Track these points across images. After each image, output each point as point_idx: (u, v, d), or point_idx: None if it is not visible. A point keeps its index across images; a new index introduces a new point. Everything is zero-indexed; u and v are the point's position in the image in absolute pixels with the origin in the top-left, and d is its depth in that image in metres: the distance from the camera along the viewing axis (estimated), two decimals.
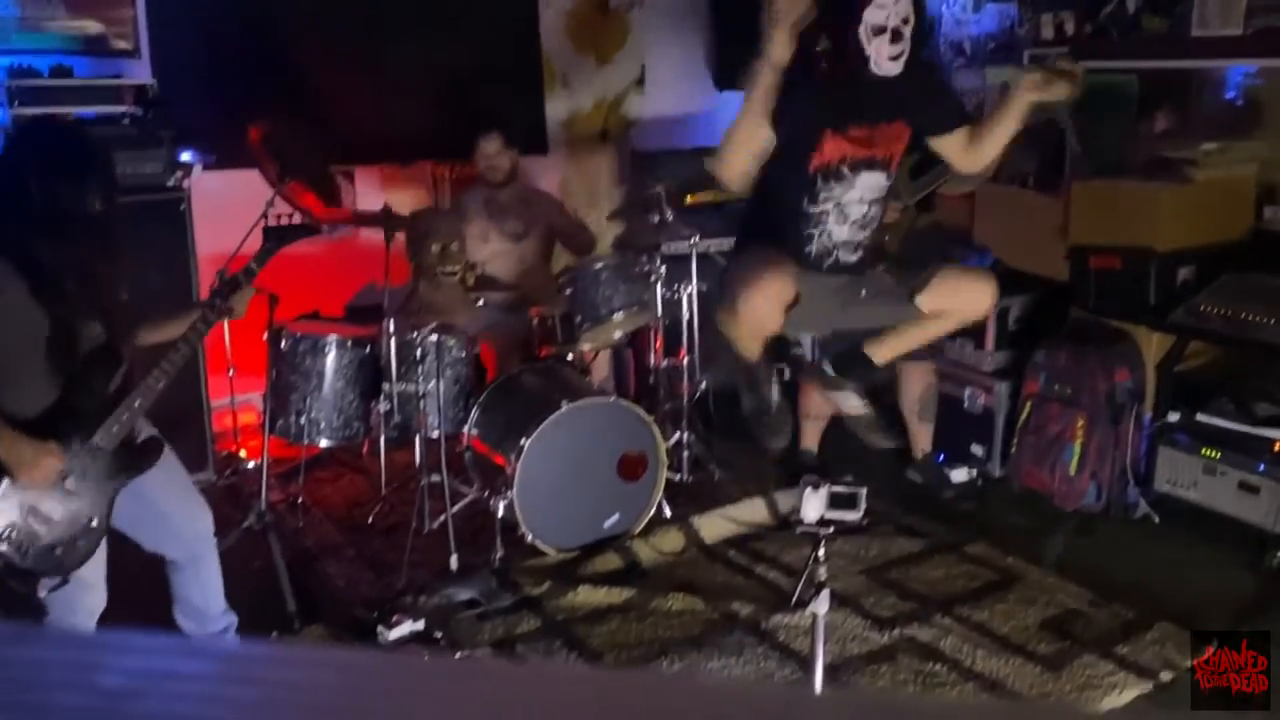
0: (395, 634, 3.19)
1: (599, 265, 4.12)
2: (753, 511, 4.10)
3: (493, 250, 4.61)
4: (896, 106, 2.92)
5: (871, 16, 2.75)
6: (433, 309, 4.05)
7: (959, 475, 4.36)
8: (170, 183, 4.15)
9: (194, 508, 2.83)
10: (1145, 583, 3.54)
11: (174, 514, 2.75)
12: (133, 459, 2.60)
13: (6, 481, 2.42)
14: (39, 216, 2.44)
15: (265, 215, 4.05)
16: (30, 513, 2.45)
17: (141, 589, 2.84)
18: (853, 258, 3.05)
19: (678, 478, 4.31)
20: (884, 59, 2.77)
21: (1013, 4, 5.05)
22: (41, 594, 2.49)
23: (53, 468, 2.44)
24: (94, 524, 2.54)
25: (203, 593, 2.86)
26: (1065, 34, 4.81)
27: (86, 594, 2.60)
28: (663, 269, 4.24)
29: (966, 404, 4.43)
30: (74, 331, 2.50)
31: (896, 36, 2.76)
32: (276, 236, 2.88)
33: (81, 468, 2.50)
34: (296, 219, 2.96)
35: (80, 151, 2.55)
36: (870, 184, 2.99)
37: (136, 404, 2.55)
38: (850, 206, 2.97)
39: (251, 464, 4.41)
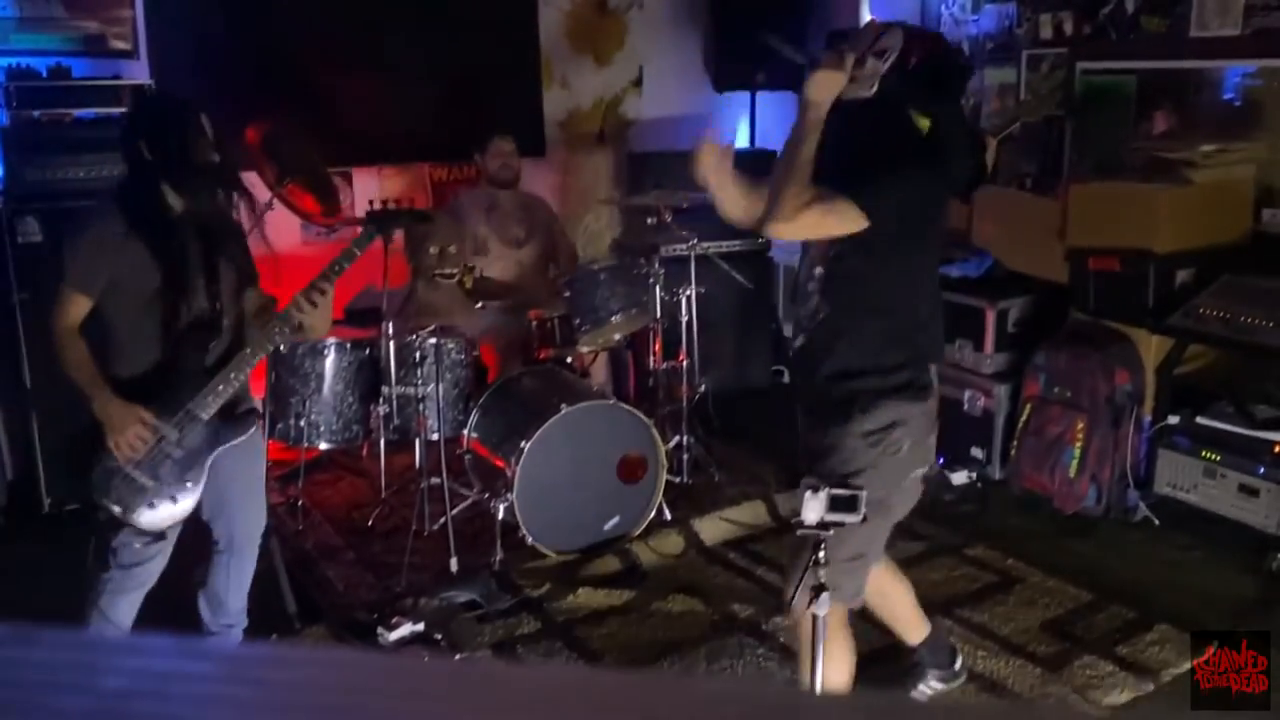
0: (395, 635, 3.19)
1: (598, 268, 4.12)
2: (753, 514, 4.10)
3: (493, 255, 4.61)
4: None
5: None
6: (431, 311, 4.05)
7: (959, 478, 4.36)
8: None
9: (253, 505, 2.90)
10: (1145, 584, 3.54)
11: (233, 502, 2.82)
12: (228, 429, 2.70)
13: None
14: (155, 180, 2.60)
15: (260, 217, 4.07)
16: (134, 471, 2.57)
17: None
18: None
19: (678, 480, 4.31)
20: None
21: (1011, 4, 5.05)
22: (137, 545, 2.62)
23: (140, 431, 2.54)
24: (189, 484, 2.64)
25: (228, 586, 2.89)
26: (1064, 34, 4.81)
27: (158, 556, 2.69)
28: (661, 271, 4.24)
29: (966, 406, 4.43)
30: (183, 296, 2.60)
31: None
32: (381, 222, 2.93)
33: (179, 432, 2.59)
34: (404, 205, 2.98)
35: (192, 120, 2.66)
36: None
37: (232, 375, 2.64)
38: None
39: None
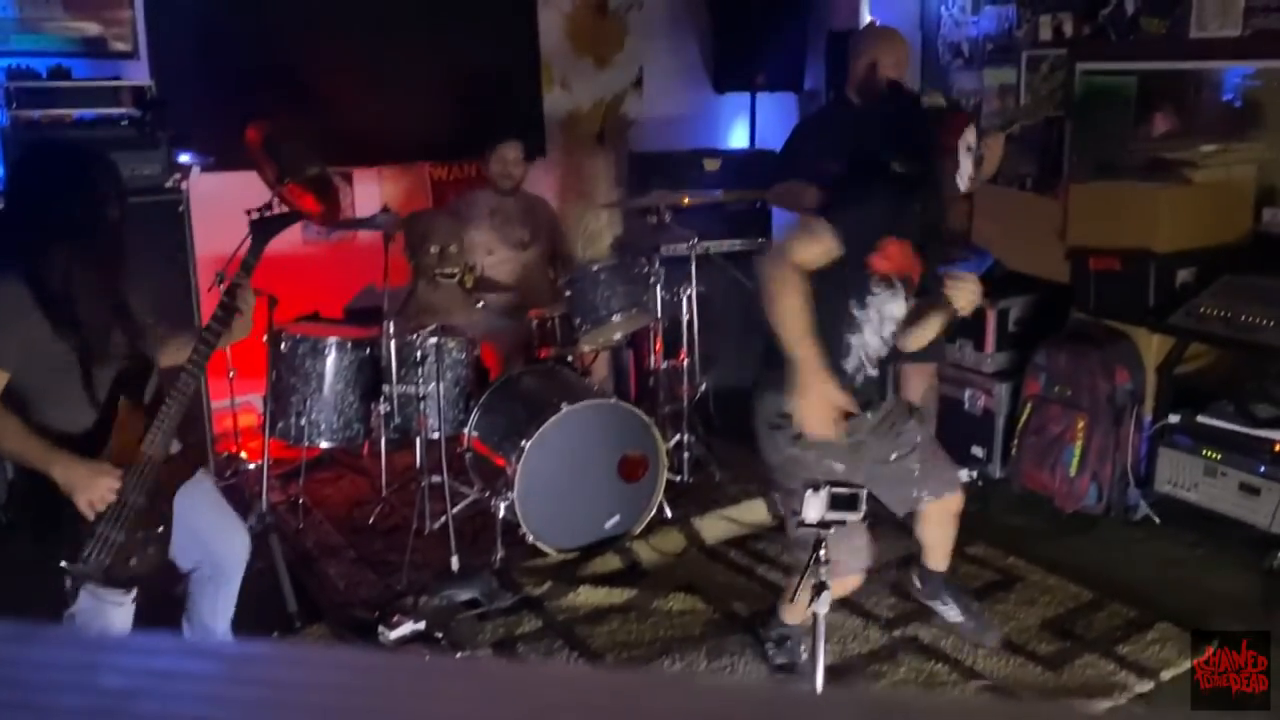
0: (396, 634, 3.19)
1: (598, 268, 4.12)
2: (753, 512, 4.10)
3: (497, 257, 4.61)
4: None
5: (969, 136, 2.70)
6: (431, 311, 4.05)
7: (960, 476, 4.36)
8: (169, 184, 4.15)
9: (229, 526, 2.84)
10: (1146, 583, 3.54)
11: (207, 530, 2.75)
12: (180, 467, 2.63)
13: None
14: (52, 239, 2.45)
15: (261, 214, 4.07)
16: (104, 528, 2.45)
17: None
18: (875, 374, 2.85)
19: (678, 479, 4.31)
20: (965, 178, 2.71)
21: (1011, 5, 5.05)
22: (119, 610, 2.50)
23: (109, 485, 2.44)
24: (162, 531, 2.56)
25: (213, 611, 2.85)
26: (1064, 35, 4.81)
27: (124, 610, 2.58)
28: (662, 271, 4.24)
29: (967, 405, 4.43)
30: (103, 350, 2.52)
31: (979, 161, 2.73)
32: (263, 230, 2.83)
33: (137, 477, 2.50)
34: (278, 209, 2.89)
35: (90, 170, 2.55)
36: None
37: (174, 410, 2.55)
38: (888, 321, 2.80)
39: (252, 465, 4.41)
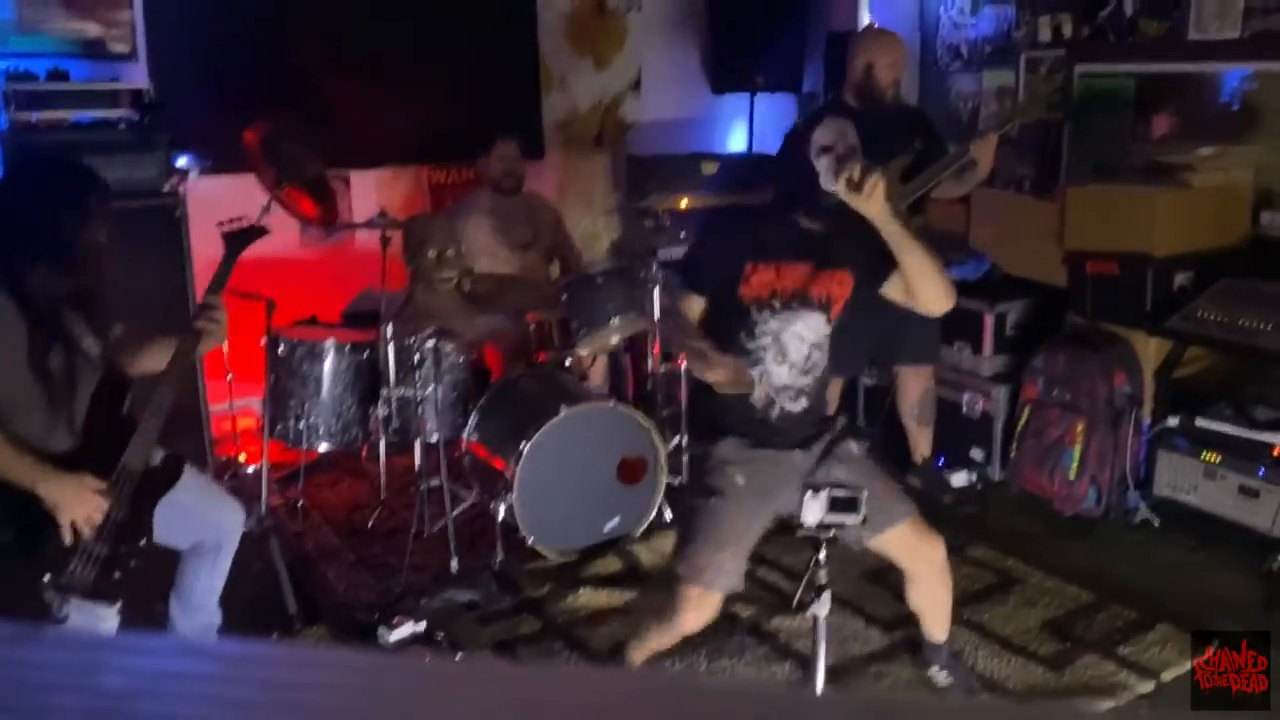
0: (396, 636, 3.19)
1: (596, 271, 4.11)
2: None
3: (498, 259, 4.60)
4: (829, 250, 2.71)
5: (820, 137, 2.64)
6: (429, 315, 4.04)
7: (959, 479, 4.36)
8: (166, 187, 4.15)
9: (222, 501, 2.86)
10: (1145, 586, 3.54)
11: (196, 511, 2.74)
12: (160, 477, 2.61)
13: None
14: (39, 255, 2.46)
15: (259, 219, 4.06)
16: (89, 544, 2.44)
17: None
18: (797, 406, 2.75)
19: (677, 481, 4.30)
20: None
21: (1010, 7, 5.06)
22: (104, 619, 2.48)
23: (95, 500, 2.43)
24: (142, 544, 2.54)
25: (207, 587, 2.86)
26: (1062, 36, 4.82)
27: (108, 624, 2.57)
28: (660, 274, 4.23)
29: (965, 408, 4.43)
30: (83, 365, 2.53)
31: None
32: (236, 243, 2.83)
33: (119, 493, 2.49)
34: (246, 222, 2.91)
35: (80, 188, 2.56)
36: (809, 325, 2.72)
37: (153, 422, 2.54)
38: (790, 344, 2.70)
39: (251, 468, 4.41)
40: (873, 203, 2.48)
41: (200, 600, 2.87)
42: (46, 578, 2.40)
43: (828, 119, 2.68)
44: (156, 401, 2.55)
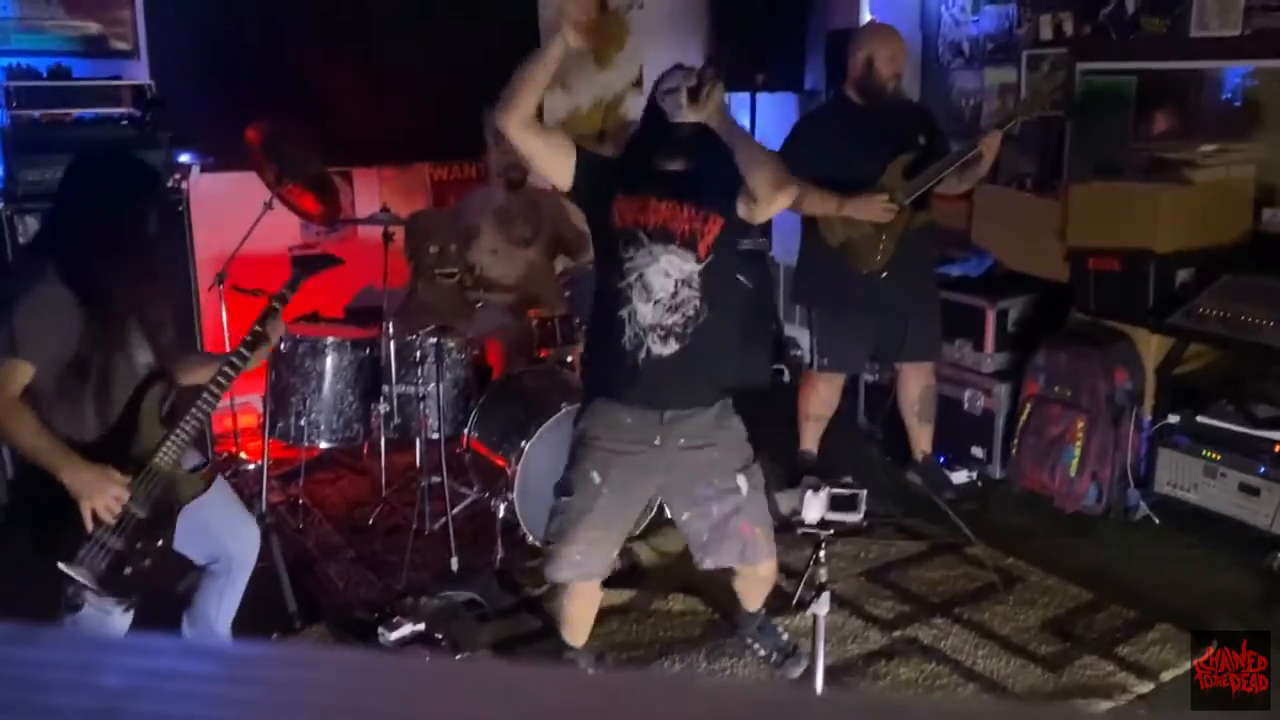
0: (396, 635, 3.19)
1: None
2: None
3: (501, 256, 4.59)
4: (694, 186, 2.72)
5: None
6: (431, 311, 4.04)
7: (959, 477, 4.36)
8: (168, 184, 4.15)
9: (241, 523, 2.85)
10: (1145, 584, 3.54)
11: (218, 527, 2.75)
12: (188, 483, 2.63)
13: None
14: (101, 248, 2.51)
15: (260, 217, 4.07)
16: (105, 536, 2.45)
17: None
18: (666, 349, 2.71)
19: None
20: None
21: (1011, 5, 5.05)
22: (117, 617, 2.51)
23: (115, 493, 2.44)
24: (160, 544, 2.55)
25: (219, 608, 2.85)
26: (1064, 34, 4.81)
27: (119, 619, 2.59)
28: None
29: (966, 405, 4.43)
30: (128, 362, 2.55)
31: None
32: (305, 266, 2.94)
33: (145, 491, 2.50)
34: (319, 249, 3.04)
35: (143, 185, 2.63)
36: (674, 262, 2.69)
37: (191, 425, 2.56)
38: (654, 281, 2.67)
39: (251, 465, 4.41)
40: (710, 106, 2.57)
41: (209, 620, 2.86)
42: (59, 563, 2.42)
43: (673, 69, 2.72)
44: (199, 408, 2.58)
